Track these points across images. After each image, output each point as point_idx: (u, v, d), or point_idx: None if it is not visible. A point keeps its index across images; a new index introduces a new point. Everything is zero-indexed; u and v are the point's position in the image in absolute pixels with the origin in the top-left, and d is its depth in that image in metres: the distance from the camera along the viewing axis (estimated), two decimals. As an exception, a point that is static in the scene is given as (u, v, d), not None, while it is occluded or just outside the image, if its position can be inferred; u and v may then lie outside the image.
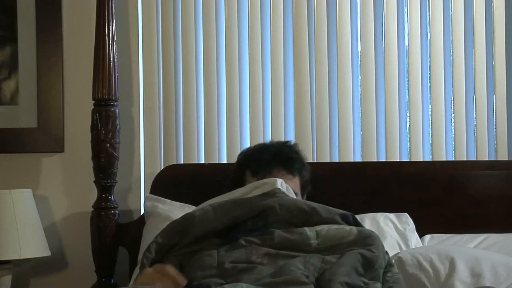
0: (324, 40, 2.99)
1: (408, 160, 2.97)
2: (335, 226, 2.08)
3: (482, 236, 2.63)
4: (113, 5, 2.81)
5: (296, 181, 2.35)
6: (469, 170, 2.82)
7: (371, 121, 2.98)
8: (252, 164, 2.33)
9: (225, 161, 2.97)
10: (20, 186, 2.87)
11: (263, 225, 2.07)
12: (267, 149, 2.40)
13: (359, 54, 3.01)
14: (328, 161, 2.95)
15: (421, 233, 2.68)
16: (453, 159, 2.96)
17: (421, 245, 2.60)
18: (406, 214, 2.67)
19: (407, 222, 2.65)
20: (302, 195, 2.39)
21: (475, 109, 2.98)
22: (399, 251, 2.45)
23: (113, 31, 2.80)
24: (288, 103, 3.00)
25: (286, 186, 2.21)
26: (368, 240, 2.02)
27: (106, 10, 2.78)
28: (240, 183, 2.31)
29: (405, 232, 2.61)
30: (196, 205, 2.37)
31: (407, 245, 2.57)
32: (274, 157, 2.33)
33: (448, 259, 2.25)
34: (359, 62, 3.01)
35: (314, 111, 2.99)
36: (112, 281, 2.82)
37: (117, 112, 2.81)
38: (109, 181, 2.80)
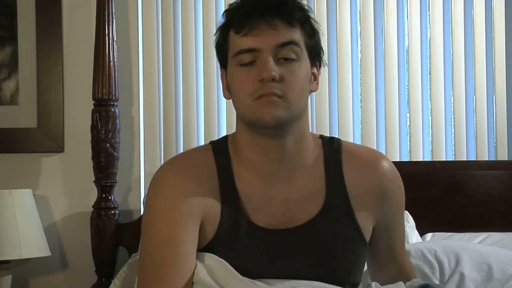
0: (324, 40, 2.98)
1: (408, 160, 2.97)
2: None
3: (483, 235, 2.62)
4: (113, 5, 2.81)
5: (297, 32, 1.70)
6: (469, 170, 2.82)
7: (371, 121, 2.98)
8: (235, 17, 1.71)
9: (224, 161, 2.96)
10: (20, 186, 2.87)
11: None
12: None
13: (359, 54, 3.01)
14: (328, 161, 2.95)
15: (421, 233, 2.67)
16: (453, 159, 2.96)
17: (421, 243, 2.60)
18: (406, 211, 2.66)
19: (406, 219, 2.64)
20: (310, 58, 1.75)
21: (475, 109, 2.98)
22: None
23: (113, 31, 2.80)
24: (288, 103, 3.00)
25: None
26: None
27: (106, 10, 2.78)
28: (223, 47, 1.75)
29: (405, 228, 2.59)
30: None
31: (407, 242, 2.56)
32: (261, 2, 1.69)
33: (453, 253, 2.24)
34: (359, 62, 3.01)
35: (313, 111, 2.98)
36: (112, 281, 2.81)
37: (117, 112, 2.81)
38: (109, 181, 2.80)
